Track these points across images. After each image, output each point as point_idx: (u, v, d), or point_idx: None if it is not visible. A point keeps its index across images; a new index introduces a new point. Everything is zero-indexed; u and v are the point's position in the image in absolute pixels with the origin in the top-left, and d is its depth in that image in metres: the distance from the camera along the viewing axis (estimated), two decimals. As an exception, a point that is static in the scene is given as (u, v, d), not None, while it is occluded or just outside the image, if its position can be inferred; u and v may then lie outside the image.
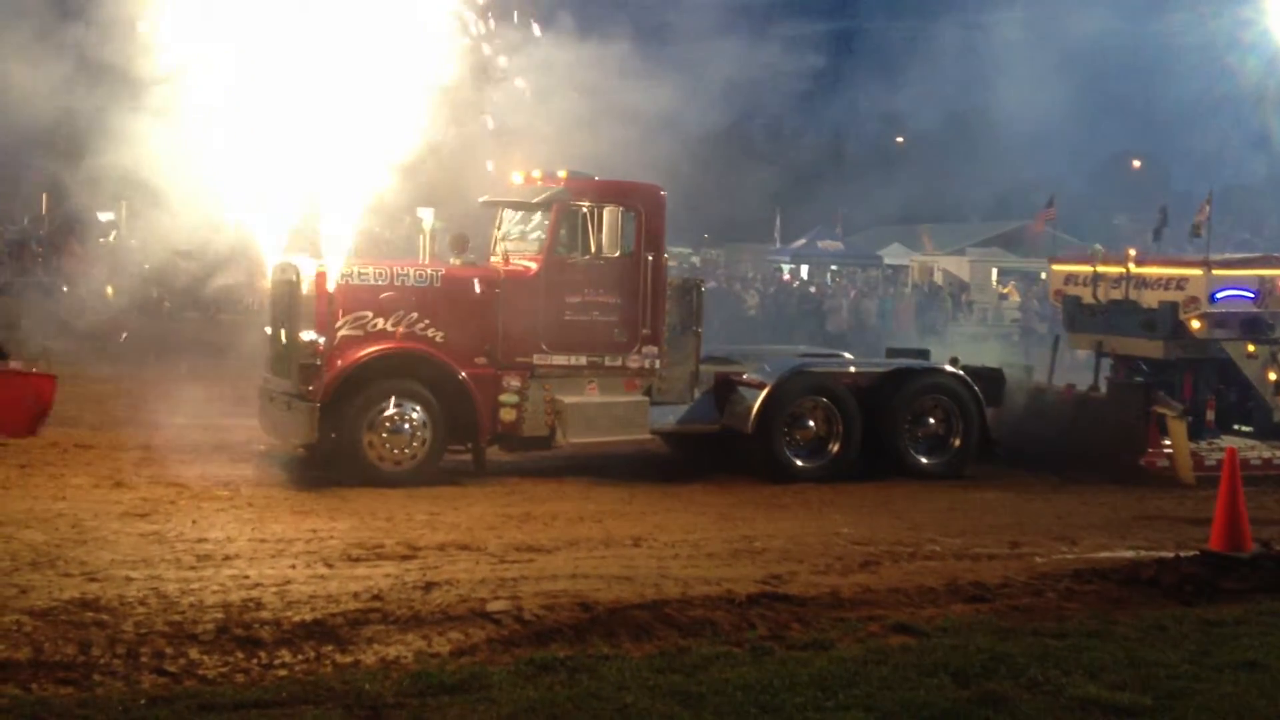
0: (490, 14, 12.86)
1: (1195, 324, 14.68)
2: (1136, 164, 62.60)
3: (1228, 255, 16.36)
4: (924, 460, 13.91)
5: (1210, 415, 15.07)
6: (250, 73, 12.34)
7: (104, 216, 31.91)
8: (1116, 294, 15.61)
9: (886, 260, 48.91)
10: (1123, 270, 15.64)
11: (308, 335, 12.06)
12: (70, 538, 9.35)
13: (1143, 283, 15.39)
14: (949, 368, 14.43)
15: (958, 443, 14.03)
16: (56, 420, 15.07)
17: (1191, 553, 9.62)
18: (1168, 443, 14.11)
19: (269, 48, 12.27)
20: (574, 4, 14.12)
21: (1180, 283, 14.96)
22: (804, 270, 46.64)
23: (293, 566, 8.78)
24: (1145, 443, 14.12)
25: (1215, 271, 14.84)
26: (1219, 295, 14.68)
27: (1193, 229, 15.65)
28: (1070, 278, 16.64)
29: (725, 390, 13.69)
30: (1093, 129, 61.52)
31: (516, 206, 13.71)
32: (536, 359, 12.79)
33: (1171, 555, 9.72)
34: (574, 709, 6.05)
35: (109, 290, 27.55)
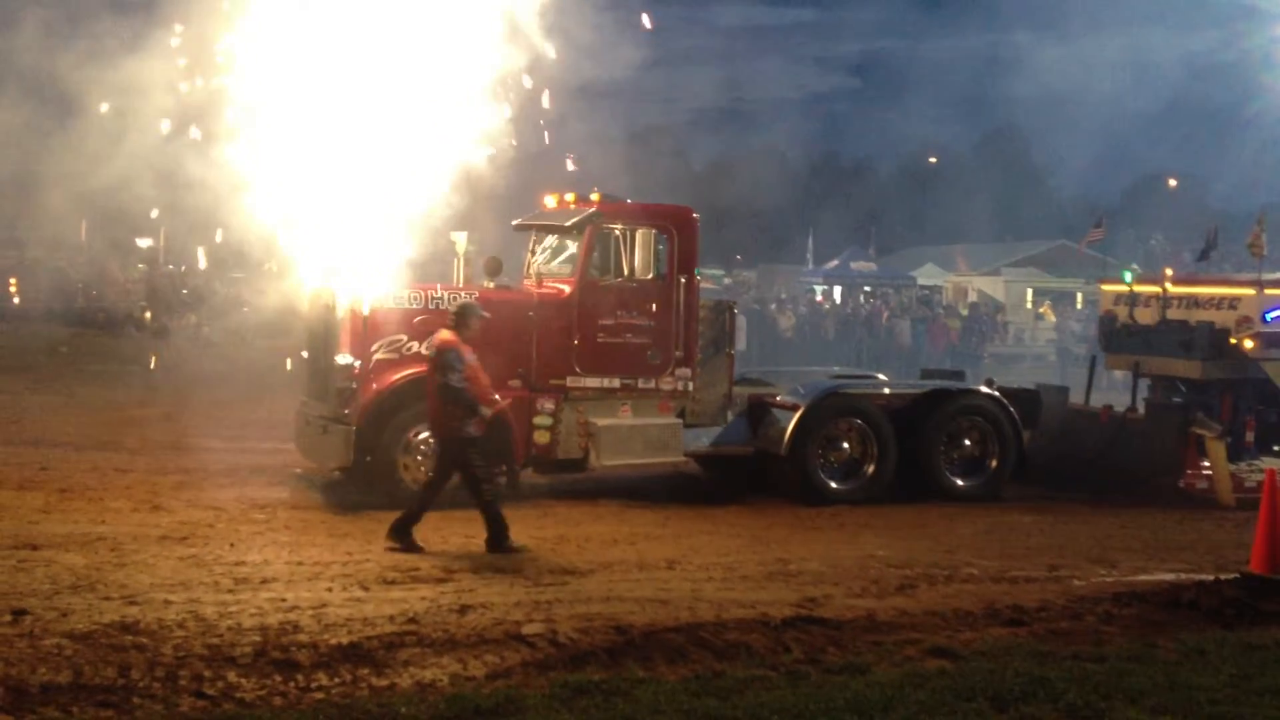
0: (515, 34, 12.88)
1: (1249, 344, 14.52)
2: (1173, 183, 62.20)
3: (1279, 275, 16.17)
4: (960, 482, 13.83)
5: (1250, 436, 14.90)
6: (286, 97, 12.46)
7: (142, 243, 32.33)
8: (1171, 314, 15.46)
9: (920, 281, 48.72)
10: (1178, 291, 15.53)
11: (343, 359, 12.15)
12: (110, 561, 9.43)
13: (1195, 302, 15.30)
14: (984, 389, 14.35)
15: (994, 464, 13.94)
16: (95, 444, 15.26)
17: (1232, 575, 9.52)
18: (1207, 464, 13.98)
19: (304, 73, 12.40)
20: (603, 24, 14.15)
21: (1232, 302, 14.88)
22: (837, 292, 46.53)
23: (329, 589, 8.82)
24: (1184, 464, 14.00)
25: (1268, 291, 14.73)
26: (1271, 315, 14.54)
27: (1251, 250, 15.51)
28: (1120, 298, 16.52)
29: (759, 412, 13.67)
30: (1128, 148, 61.29)
31: (550, 229, 13.77)
32: (570, 381, 12.81)
33: (1211, 578, 9.62)
34: (609, 733, 6.05)
35: (147, 316, 27.89)
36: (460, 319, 10.69)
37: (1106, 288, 17.38)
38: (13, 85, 13.41)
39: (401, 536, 10.32)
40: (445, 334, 10.65)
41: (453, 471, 10.60)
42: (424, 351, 12.29)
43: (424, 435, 12.11)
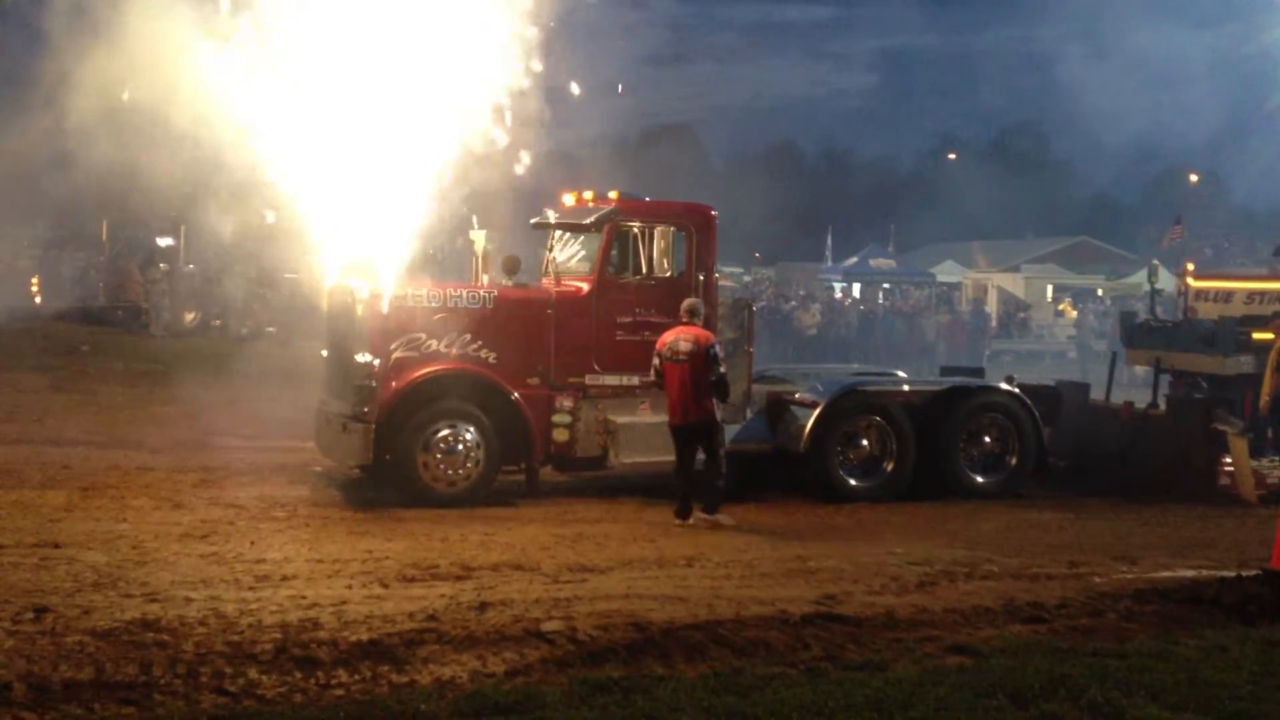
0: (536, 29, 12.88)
1: None
2: (1194, 178, 61.87)
3: None
4: (980, 479, 13.78)
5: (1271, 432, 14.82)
6: (305, 94, 12.50)
7: (163, 242, 32.46)
8: (1257, 309, 15.38)
9: (940, 278, 48.57)
10: (1263, 287, 15.53)
11: (363, 357, 12.18)
12: (131, 559, 9.47)
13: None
14: (1004, 386, 14.30)
15: (1014, 461, 13.88)
16: (117, 442, 15.33)
17: (1254, 572, 9.47)
18: (1229, 460, 13.90)
19: (322, 70, 12.44)
20: (626, 23, 14.19)
21: None
22: (856, 289, 46.45)
23: (349, 587, 8.85)
24: (1206, 461, 13.91)
25: None
26: None
27: None
28: (1202, 294, 16.42)
29: (778, 409, 13.65)
30: (1148, 143, 60.99)
31: (568, 228, 13.77)
32: (589, 379, 12.82)
33: (1233, 574, 9.57)
34: (628, 729, 6.05)
35: (187, 316, 28.02)
36: (697, 314, 11.97)
37: (1194, 283, 17.22)
38: (30, 83, 13.49)
39: (713, 511, 11.77)
40: (698, 329, 11.82)
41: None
42: (443, 349, 12.36)
43: (444, 433, 12.14)
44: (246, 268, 26.37)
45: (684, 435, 11.94)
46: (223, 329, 28.05)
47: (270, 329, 26.67)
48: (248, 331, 27.37)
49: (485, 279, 13.26)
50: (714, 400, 11.77)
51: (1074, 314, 39.11)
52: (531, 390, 12.58)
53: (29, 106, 13.76)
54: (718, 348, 11.79)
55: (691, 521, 11.72)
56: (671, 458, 13.07)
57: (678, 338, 11.79)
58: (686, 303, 12.12)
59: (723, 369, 11.72)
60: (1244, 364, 14.83)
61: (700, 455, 12.00)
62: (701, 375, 11.63)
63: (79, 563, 9.25)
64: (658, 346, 11.94)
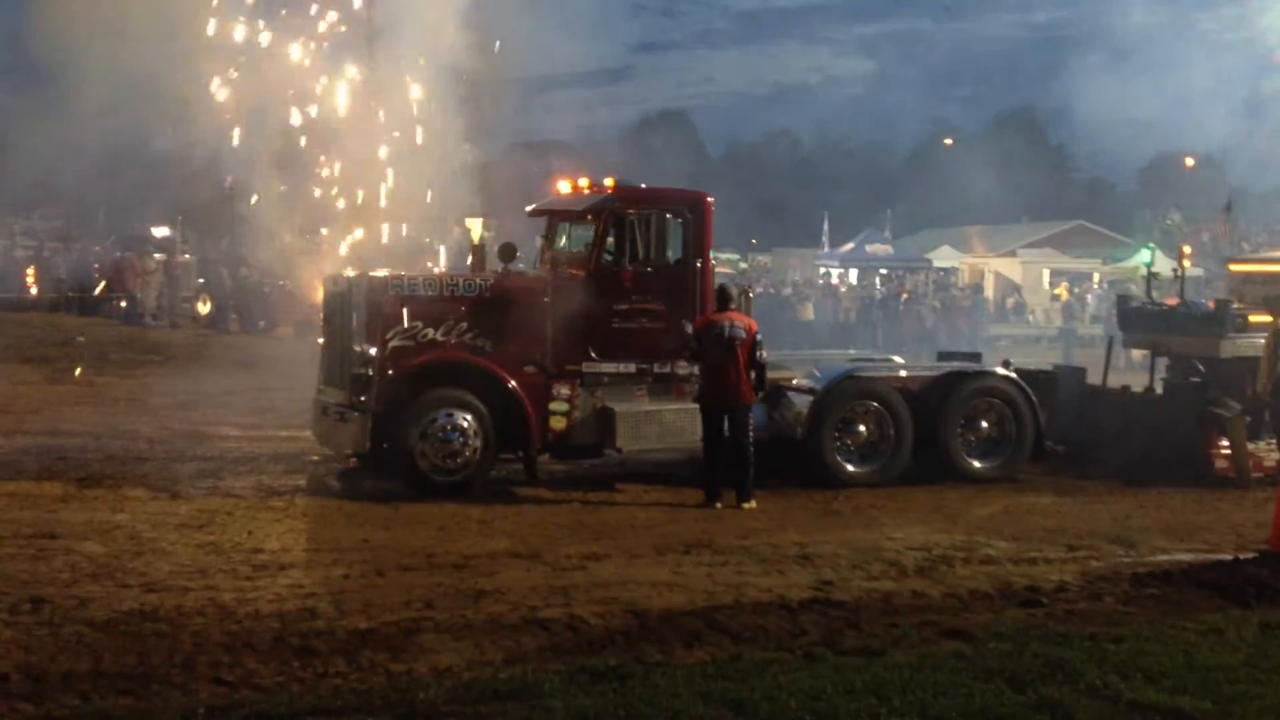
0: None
1: None
2: (1190, 162, 61.74)
3: None
4: (977, 464, 13.77)
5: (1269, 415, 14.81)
6: (297, 84, 12.48)
7: (159, 232, 32.45)
8: None
9: (936, 263, 48.52)
10: None
11: (359, 346, 12.16)
12: (128, 549, 9.47)
13: None
14: (1001, 370, 14.28)
15: (1011, 446, 13.88)
16: (113, 433, 15.33)
17: (1251, 555, 9.49)
18: (1226, 444, 13.90)
19: (315, 60, 12.42)
20: (622, 8, 14.17)
21: None
22: (853, 274, 46.41)
23: (346, 576, 8.85)
24: (1203, 444, 13.91)
25: None
26: None
27: None
28: (1248, 278, 16.36)
29: (775, 396, 13.62)
30: (1143, 126, 60.82)
31: (564, 215, 13.75)
32: (586, 367, 12.79)
33: (1230, 558, 9.59)
34: (626, 716, 6.04)
35: (202, 308, 28.01)
36: (733, 297, 12.25)
37: (1235, 267, 17.13)
38: (28, 73, 13.46)
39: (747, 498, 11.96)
40: (743, 315, 12.16)
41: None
42: (439, 338, 12.35)
43: (441, 421, 12.11)
44: (260, 261, 26.38)
45: (722, 417, 12.05)
46: (238, 322, 28.05)
47: (291, 324, 26.64)
48: (265, 325, 27.34)
49: (481, 267, 13.23)
50: (759, 385, 12.14)
51: (1067, 296, 39.15)
52: (529, 378, 12.55)
53: (27, 94, 13.74)
54: (759, 334, 12.12)
55: (720, 506, 11.83)
56: (669, 445, 13.11)
57: (729, 321, 12.00)
58: (720, 286, 12.49)
59: (764, 354, 12.12)
60: (1242, 347, 14.79)
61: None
62: (748, 360, 11.94)
63: (76, 553, 9.25)
64: (697, 328, 12.15)
